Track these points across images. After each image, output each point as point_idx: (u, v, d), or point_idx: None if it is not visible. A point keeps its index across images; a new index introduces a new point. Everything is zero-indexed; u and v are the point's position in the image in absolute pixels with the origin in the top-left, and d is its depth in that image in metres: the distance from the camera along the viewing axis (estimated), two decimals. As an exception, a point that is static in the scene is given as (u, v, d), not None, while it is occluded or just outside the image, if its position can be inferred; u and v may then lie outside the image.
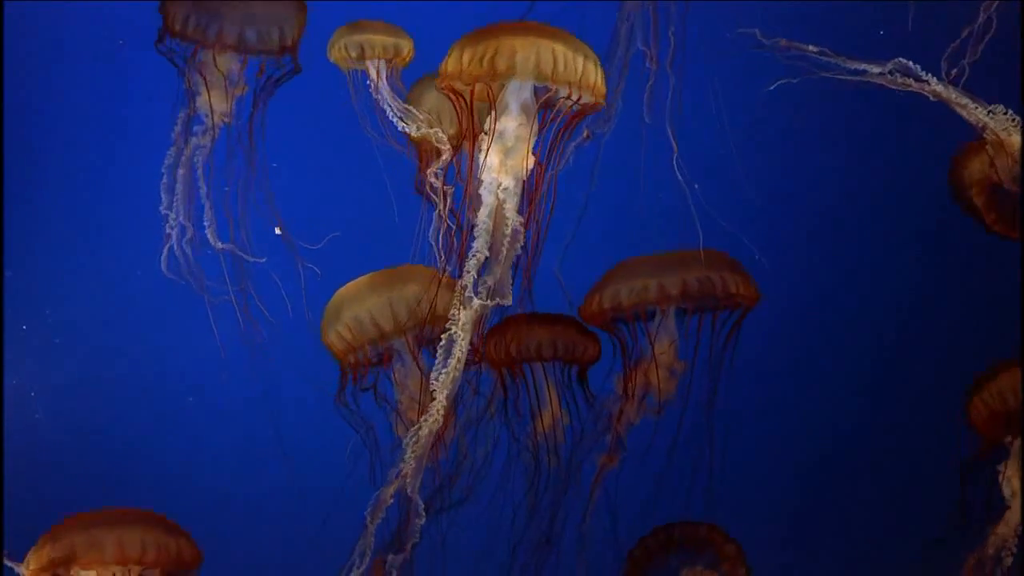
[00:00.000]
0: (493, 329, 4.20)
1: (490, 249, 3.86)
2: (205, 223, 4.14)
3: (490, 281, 3.84)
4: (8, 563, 3.87)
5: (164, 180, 4.16)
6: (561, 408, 4.29)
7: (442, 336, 3.88)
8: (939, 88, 3.91)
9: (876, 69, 3.91)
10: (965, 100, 3.93)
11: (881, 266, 4.97)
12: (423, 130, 3.95)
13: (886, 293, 4.97)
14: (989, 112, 3.95)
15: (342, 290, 4.13)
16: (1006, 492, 4.18)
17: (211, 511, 4.81)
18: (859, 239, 5.07)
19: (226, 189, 4.13)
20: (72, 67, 5.01)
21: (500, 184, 3.86)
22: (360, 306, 4.01)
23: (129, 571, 3.86)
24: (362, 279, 4.11)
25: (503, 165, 3.85)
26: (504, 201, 3.86)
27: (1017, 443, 4.15)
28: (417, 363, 4.04)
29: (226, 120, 4.17)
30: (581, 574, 4.42)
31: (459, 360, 3.82)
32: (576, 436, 4.30)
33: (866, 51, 4.00)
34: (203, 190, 4.12)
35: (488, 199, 3.85)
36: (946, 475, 4.24)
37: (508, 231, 3.83)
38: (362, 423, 4.06)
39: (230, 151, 4.13)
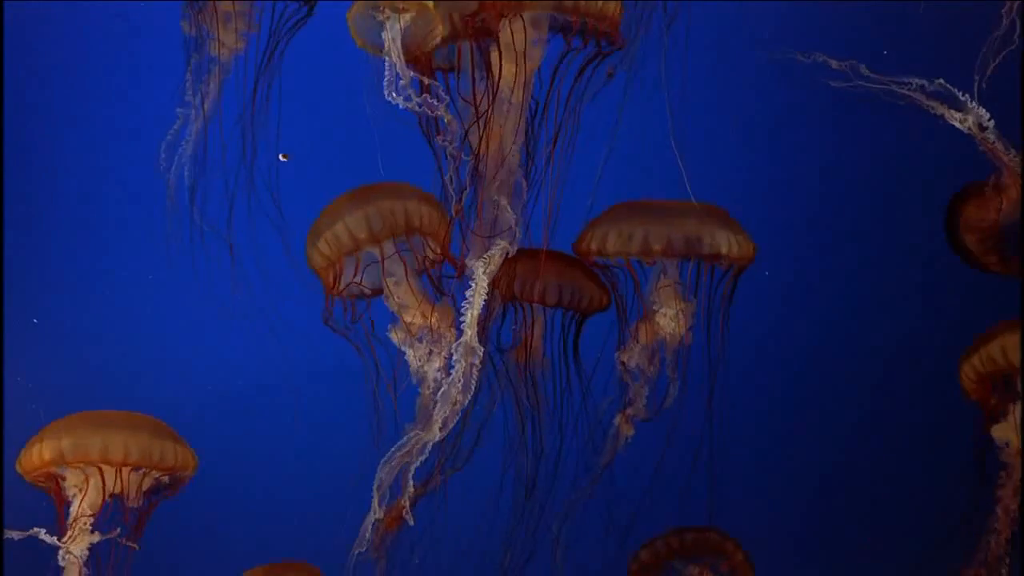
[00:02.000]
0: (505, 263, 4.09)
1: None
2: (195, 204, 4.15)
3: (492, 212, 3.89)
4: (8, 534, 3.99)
5: (174, 123, 4.16)
6: (541, 352, 4.30)
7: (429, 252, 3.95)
8: (971, 120, 3.91)
9: (918, 83, 3.91)
10: (994, 140, 3.92)
11: (886, 268, 4.97)
12: (430, 108, 3.92)
13: (889, 295, 5.02)
14: (1012, 155, 3.98)
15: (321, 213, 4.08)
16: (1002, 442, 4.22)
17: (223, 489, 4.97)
18: (862, 241, 5.08)
19: (231, 180, 4.12)
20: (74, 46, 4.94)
21: (506, 101, 3.88)
22: (337, 221, 3.93)
23: (118, 472, 4.01)
24: (340, 197, 4.03)
25: (510, 81, 3.86)
26: (507, 117, 3.88)
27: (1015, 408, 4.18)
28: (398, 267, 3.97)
29: (237, 49, 4.16)
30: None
31: (479, 301, 3.83)
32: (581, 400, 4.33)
33: (885, 60, 4.00)
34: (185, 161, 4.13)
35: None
36: (950, 470, 4.30)
37: (508, 153, 3.86)
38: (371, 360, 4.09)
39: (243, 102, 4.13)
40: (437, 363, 3.95)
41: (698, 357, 4.13)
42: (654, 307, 4.12)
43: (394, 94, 3.84)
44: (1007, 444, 4.17)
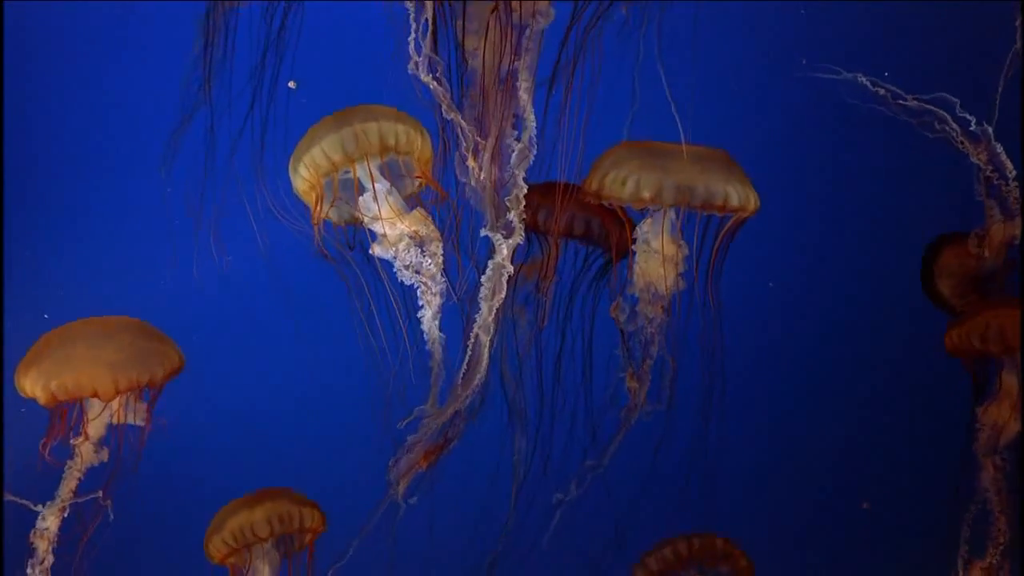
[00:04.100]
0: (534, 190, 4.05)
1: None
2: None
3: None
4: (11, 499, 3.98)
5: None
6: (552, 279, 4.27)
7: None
8: (991, 166, 3.96)
9: (964, 117, 3.92)
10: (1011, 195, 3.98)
11: (888, 273, 4.98)
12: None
13: (890, 298, 5.00)
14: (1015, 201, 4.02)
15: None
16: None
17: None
18: (868, 247, 5.11)
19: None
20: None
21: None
22: (314, 145, 3.85)
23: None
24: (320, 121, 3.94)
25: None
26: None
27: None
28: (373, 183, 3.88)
29: None
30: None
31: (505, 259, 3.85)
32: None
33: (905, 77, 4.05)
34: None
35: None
36: (950, 469, 4.28)
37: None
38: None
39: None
40: (428, 264, 3.91)
41: (694, 358, 4.13)
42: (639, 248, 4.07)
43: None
44: (1000, 426, 4.18)
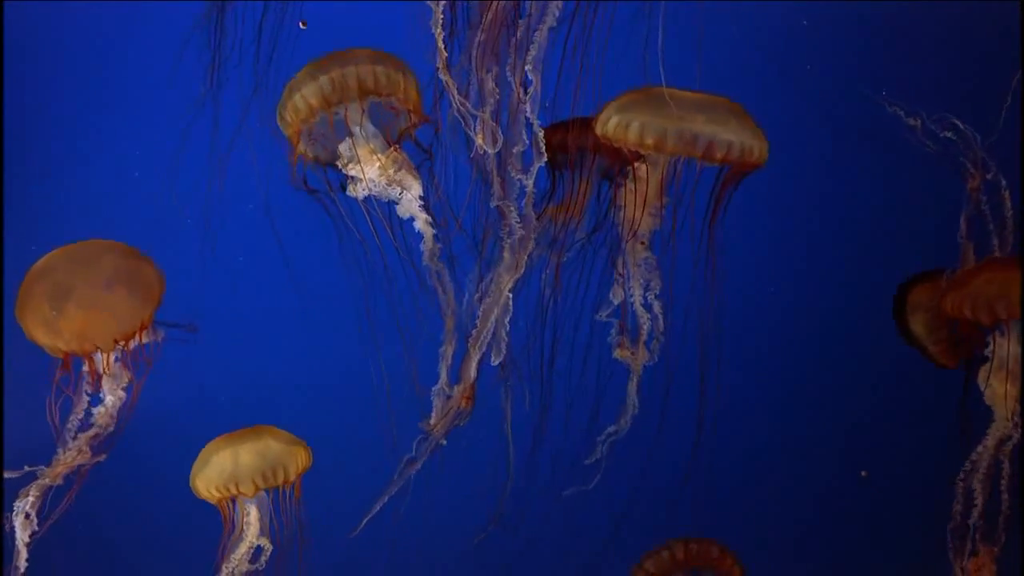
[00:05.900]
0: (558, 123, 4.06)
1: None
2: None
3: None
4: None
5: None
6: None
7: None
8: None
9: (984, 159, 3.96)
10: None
11: (886, 274, 4.85)
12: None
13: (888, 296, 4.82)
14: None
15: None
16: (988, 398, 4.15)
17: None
18: (870, 252, 5.11)
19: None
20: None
21: None
22: (295, 92, 3.90)
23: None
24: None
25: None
26: None
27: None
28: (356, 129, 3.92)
29: None
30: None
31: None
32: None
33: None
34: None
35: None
36: (950, 468, 4.25)
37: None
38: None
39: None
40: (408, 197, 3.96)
41: (690, 358, 4.13)
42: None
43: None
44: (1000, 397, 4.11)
